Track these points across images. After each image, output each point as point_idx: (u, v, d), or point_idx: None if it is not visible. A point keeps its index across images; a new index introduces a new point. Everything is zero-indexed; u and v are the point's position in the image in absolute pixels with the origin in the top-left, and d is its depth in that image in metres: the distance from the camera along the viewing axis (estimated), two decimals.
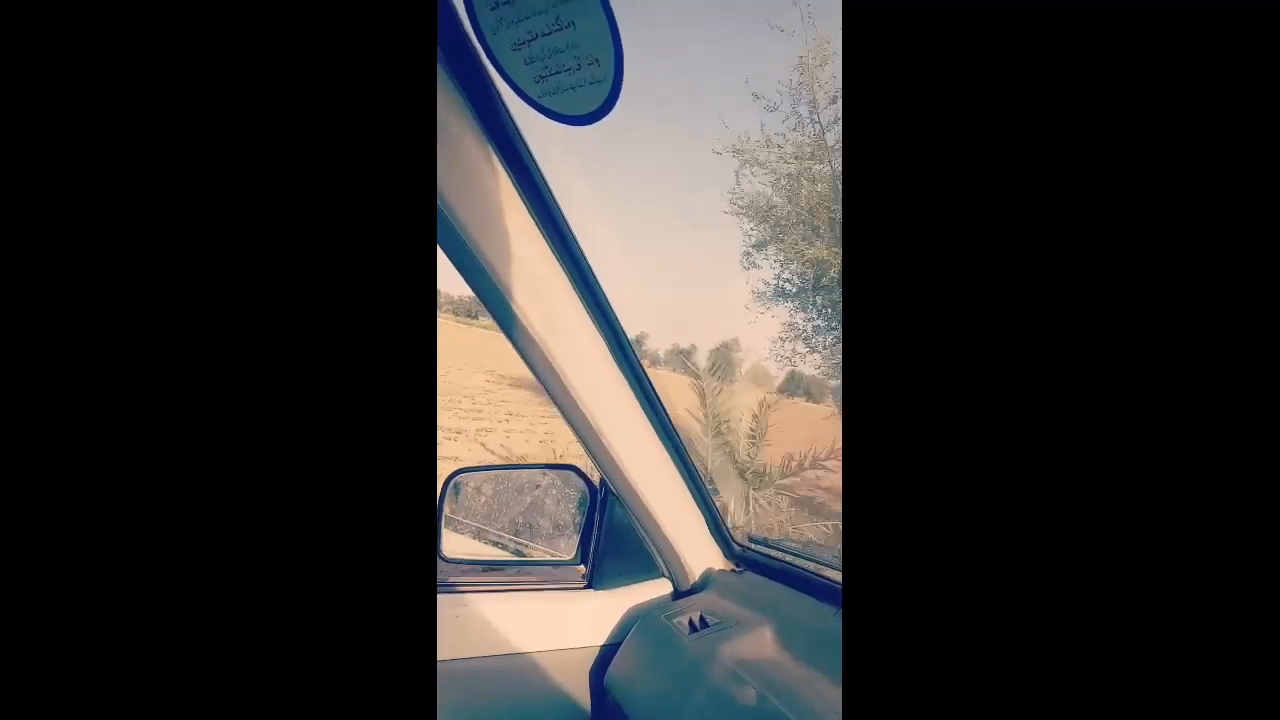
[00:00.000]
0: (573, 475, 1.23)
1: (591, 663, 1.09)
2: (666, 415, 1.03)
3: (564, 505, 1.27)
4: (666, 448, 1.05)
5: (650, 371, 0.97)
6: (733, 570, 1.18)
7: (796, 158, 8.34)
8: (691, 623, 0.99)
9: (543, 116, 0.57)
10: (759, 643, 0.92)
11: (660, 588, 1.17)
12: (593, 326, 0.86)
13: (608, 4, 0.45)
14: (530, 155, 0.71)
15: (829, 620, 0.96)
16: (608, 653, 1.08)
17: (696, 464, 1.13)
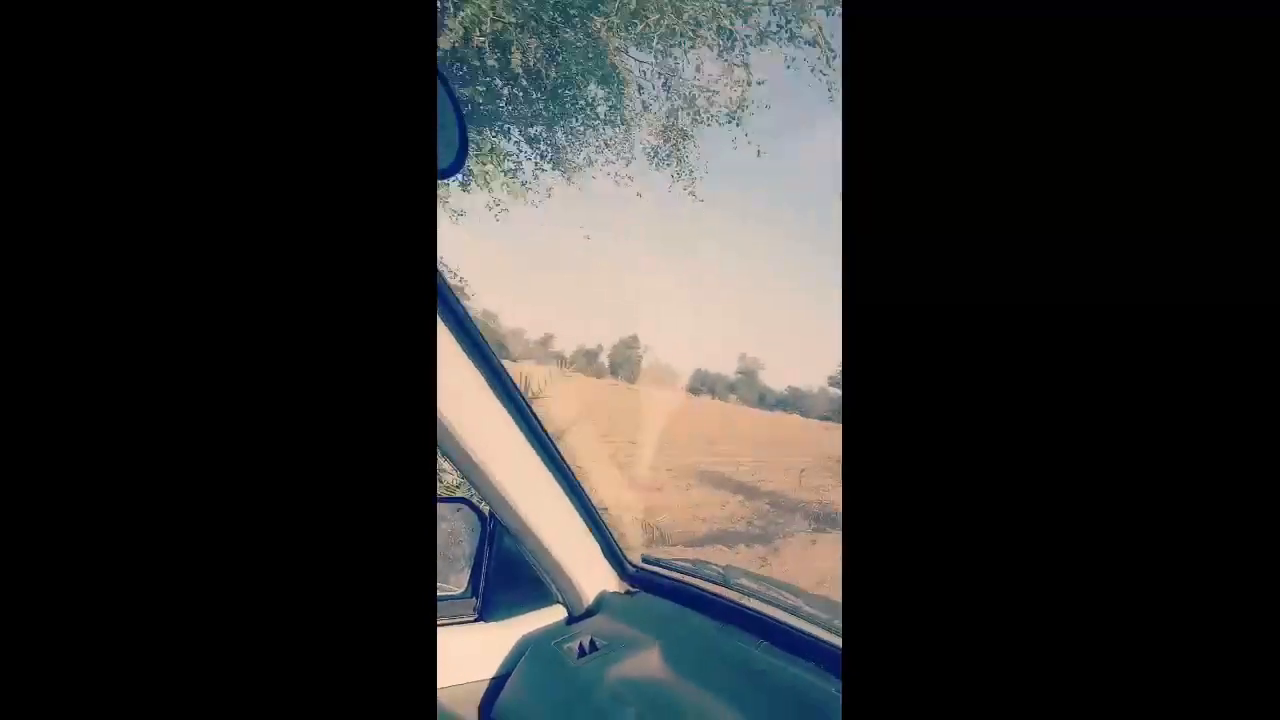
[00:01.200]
0: (464, 508, 1.20)
1: (481, 696, 1.08)
2: (550, 440, 1.03)
3: (453, 539, 1.24)
4: (552, 474, 1.05)
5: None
6: (627, 592, 1.21)
7: None
8: (581, 647, 1.00)
9: None
10: (646, 662, 0.95)
11: (554, 614, 1.17)
12: (466, 358, 0.85)
13: (443, 77, 0.46)
14: None
15: (717, 636, 1.01)
16: (498, 684, 1.07)
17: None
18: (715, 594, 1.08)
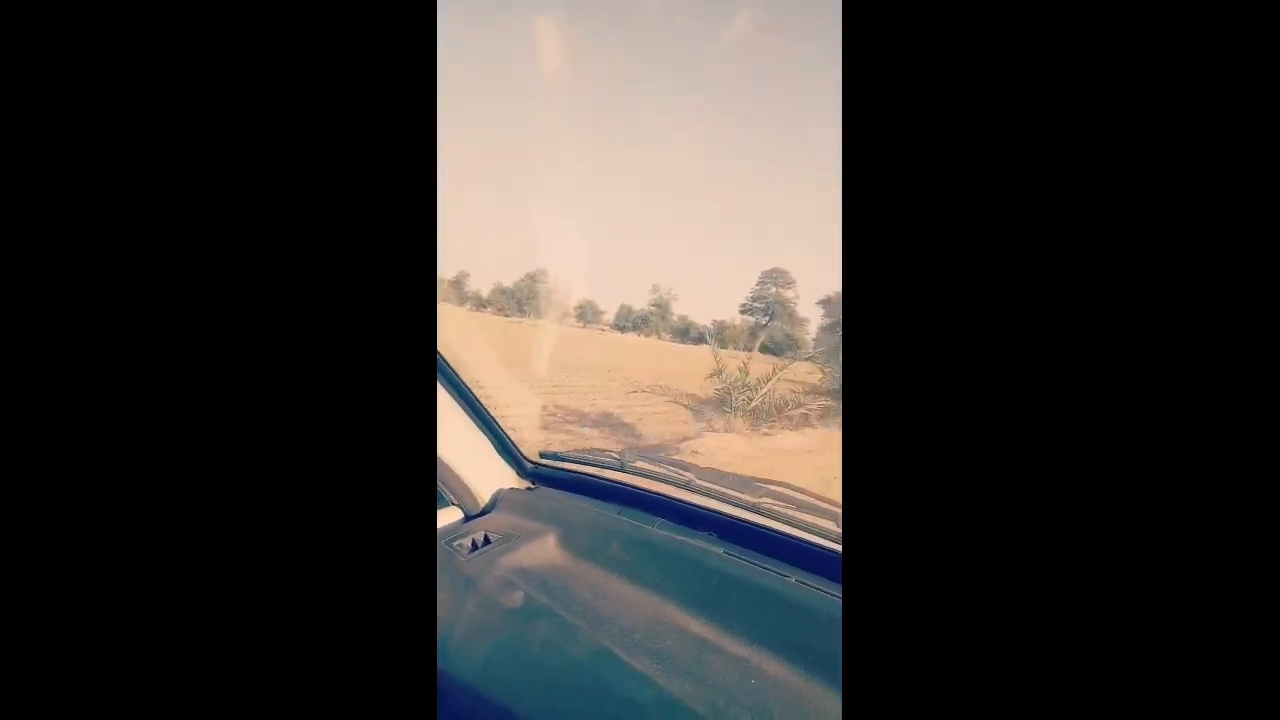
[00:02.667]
0: None
1: None
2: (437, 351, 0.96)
3: None
4: (438, 379, 0.99)
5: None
6: (527, 488, 1.19)
7: None
8: (474, 543, 0.97)
9: None
10: (539, 550, 0.94)
11: (450, 515, 1.13)
12: None
13: None
14: None
15: (613, 519, 1.01)
16: None
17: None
18: (612, 480, 1.08)
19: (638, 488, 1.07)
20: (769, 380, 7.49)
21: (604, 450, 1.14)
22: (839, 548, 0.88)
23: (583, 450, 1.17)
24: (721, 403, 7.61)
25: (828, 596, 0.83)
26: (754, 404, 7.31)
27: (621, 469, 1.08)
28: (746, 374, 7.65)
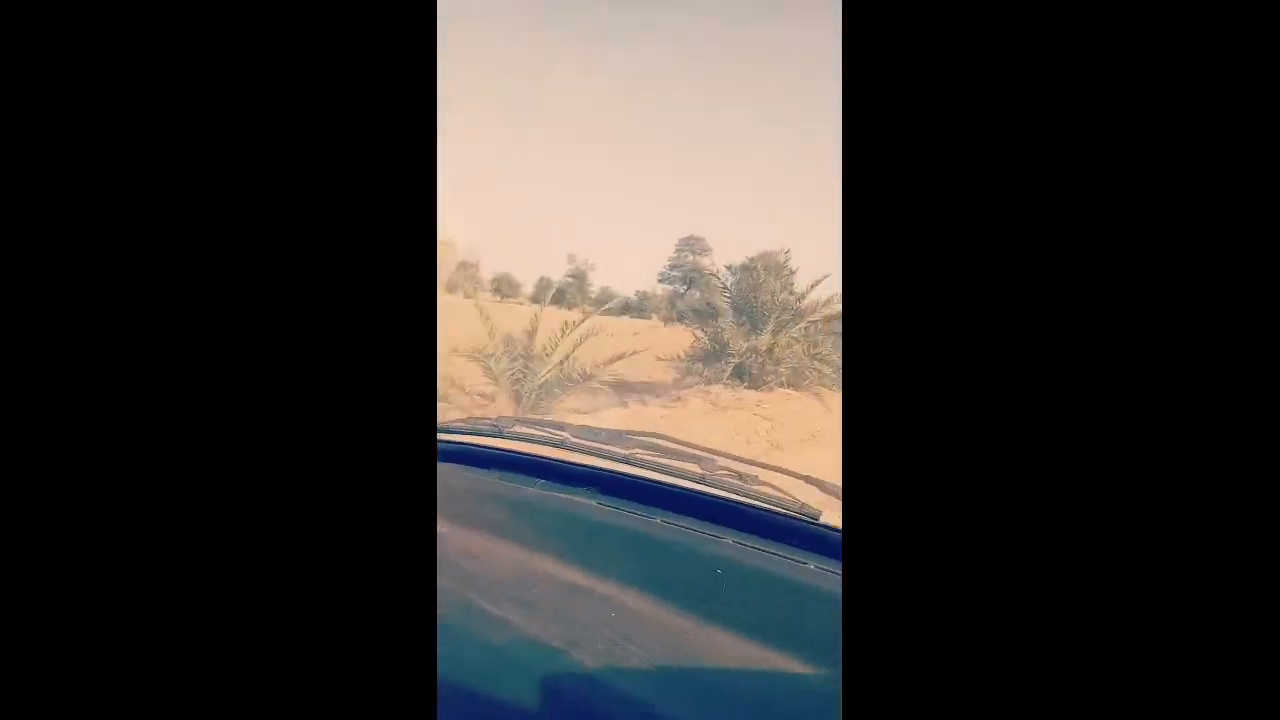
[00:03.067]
0: None
1: None
2: None
3: None
4: None
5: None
6: None
7: None
8: None
9: None
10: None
11: None
12: None
13: None
14: None
15: (492, 484, 1.03)
16: None
17: None
18: (490, 446, 1.10)
19: (516, 452, 1.08)
20: (556, 347, 5.48)
21: (481, 417, 1.15)
22: (702, 488, 0.95)
23: (460, 420, 1.17)
24: (513, 379, 5.53)
25: (686, 531, 0.89)
26: (542, 379, 5.47)
27: (499, 435, 1.10)
28: (532, 337, 5.58)
